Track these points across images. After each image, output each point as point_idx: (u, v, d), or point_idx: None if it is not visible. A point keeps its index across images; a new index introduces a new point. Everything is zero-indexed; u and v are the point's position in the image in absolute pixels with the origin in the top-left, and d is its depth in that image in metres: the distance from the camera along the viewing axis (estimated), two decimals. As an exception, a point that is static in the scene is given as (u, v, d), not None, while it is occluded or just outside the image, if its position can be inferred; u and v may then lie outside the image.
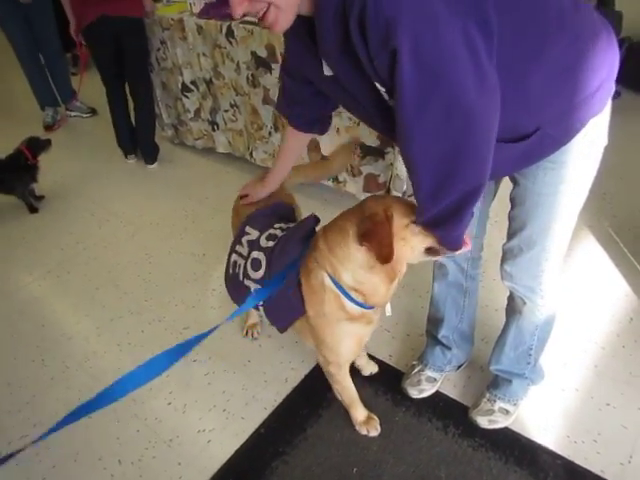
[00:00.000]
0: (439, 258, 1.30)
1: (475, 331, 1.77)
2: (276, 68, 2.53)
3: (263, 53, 2.54)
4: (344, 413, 1.72)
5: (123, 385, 1.11)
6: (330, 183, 2.68)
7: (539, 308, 1.44)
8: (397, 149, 2.25)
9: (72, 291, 2.46)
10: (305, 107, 1.40)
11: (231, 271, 1.59)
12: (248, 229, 1.57)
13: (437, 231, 1.18)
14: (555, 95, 1.06)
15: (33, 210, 3.09)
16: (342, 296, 1.31)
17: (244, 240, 1.55)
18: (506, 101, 0.99)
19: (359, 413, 1.66)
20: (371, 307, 1.36)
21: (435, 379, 1.75)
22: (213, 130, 3.22)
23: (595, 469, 1.51)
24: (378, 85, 1.02)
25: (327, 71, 1.13)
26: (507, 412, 1.62)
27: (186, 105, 3.25)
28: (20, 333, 2.26)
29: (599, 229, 2.30)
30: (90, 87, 3.97)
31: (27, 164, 2.97)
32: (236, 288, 1.58)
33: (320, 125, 1.48)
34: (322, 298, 1.33)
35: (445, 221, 1.11)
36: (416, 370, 1.76)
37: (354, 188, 2.60)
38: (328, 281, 1.31)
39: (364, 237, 1.21)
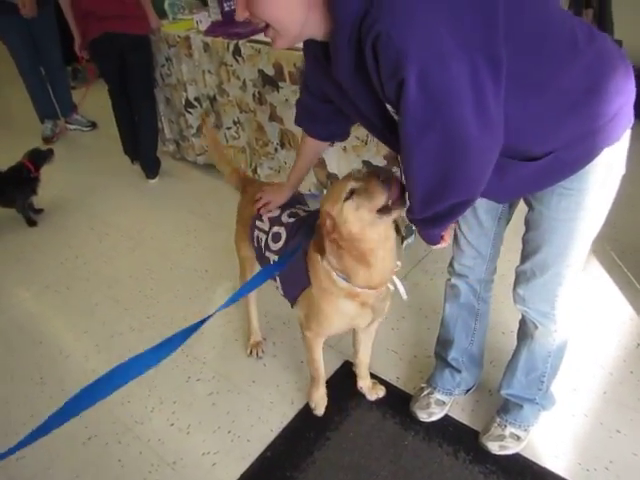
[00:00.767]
0: (395, 215, 1.30)
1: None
2: (284, 86, 2.54)
3: (270, 71, 2.55)
4: (353, 437, 1.69)
5: (117, 377, 1.14)
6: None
7: (552, 334, 1.43)
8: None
9: (71, 307, 2.42)
10: (326, 124, 1.42)
11: (256, 244, 1.69)
12: None
13: (421, 229, 1.26)
14: (569, 122, 1.06)
15: (32, 223, 3.06)
16: (332, 272, 1.42)
17: (265, 217, 1.66)
18: (519, 127, 1.02)
19: (318, 390, 1.75)
20: (364, 287, 1.41)
21: (444, 402, 1.73)
22: (215, 146, 3.21)
23: (608, 498, 1.49)
24: (388, 106, 1.05)
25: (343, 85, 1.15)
26: (518, 438, 1.60)
27: (189, 121, 3.26)
28: (17, 350, 2.21)
29: (602, 253, 2.32)
30: (91, 101, 3.98)
31: (29, 176, 2.94)
32: (262, 260, 1.68)
33: (340, 137, 1.50)
34: (319, 273, 1.45)
35: (430, 224, 1.19)
36: (425, 393, 1.74)
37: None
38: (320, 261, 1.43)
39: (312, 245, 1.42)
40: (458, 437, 1.67)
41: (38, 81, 3.99)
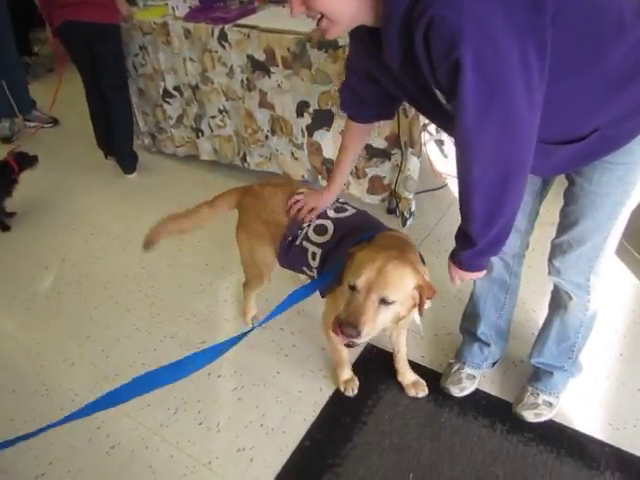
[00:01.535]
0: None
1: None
2: (276, 71, 2.48)
3: (261, 57, 2.48)
4: (389, 419, 1.69)
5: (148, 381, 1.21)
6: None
7: (585, 304, 1.47)
8: (409, 150, 2.26)
9: (66, 312, 2.29)
10: (372, 105, 1.39)
11: (290, 237, 1.61)
12: None
13: (474, 260, 1.27)
14: (617, 98, 1.07)
15: (5, 228, 2.86)
16: None
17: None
18: (566, 106, 1.05)
19: (344, 373, 1.78)
20: None
21: (474, 376, 1.75)
22: (197, 137, 3.11)
23: (642, 453, 1.55)
24: (438, 92, 1.06)
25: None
26: (550, 405, 1.65)
27: (167, 112, 3.13)
28: (13, 364, 2.06)
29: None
30: (50, 96, 3.74)
31: (11, 177, 2.76)
32: (292, 250, 1.60)
33: (387, 116, 1.48)
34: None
35: (489, 249, 1.22)
36: (455, 368, 1.75)
37: (358, 190, 2.59)
38: None
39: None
40: (492, 409, 1.70)
41: (-9, 78, 3.74)
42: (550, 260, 1.45)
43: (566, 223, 1.36)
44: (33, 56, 5.29)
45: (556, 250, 1.42)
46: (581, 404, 1.70)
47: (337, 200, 1.65)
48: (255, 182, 1.79)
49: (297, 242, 1.59)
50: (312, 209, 1.58)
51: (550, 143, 1.14)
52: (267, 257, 1.75)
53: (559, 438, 1.60)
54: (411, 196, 2.37)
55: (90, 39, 2.84)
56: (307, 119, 2.54)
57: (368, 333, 1.25)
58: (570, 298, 1.47)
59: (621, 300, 2.06)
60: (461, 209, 1.18)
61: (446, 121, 1.10)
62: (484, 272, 1.33)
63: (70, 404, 1.87)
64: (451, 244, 1.31)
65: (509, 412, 1.68)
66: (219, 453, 1.66)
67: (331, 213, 1.59)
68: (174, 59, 2.87)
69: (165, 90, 3.03)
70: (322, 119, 2.48)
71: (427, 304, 1.33)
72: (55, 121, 4.08)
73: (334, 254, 1.50)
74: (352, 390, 1.77)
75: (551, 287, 1.56)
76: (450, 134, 1.18)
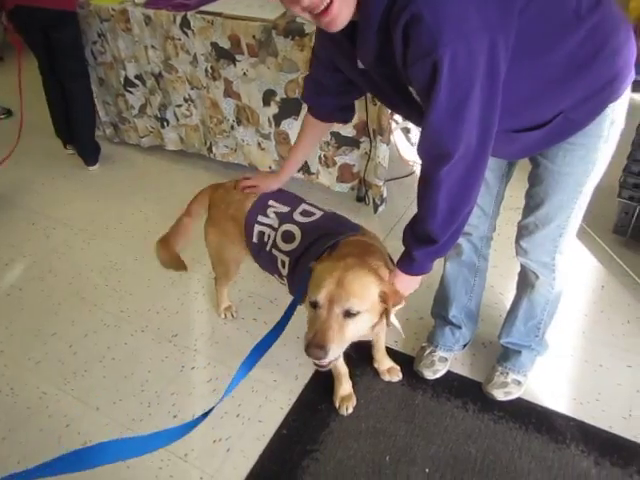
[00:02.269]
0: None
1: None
2: (241, 59, 2.44)
3: (226, 44, 2.44)
4: (365, 404, 1.72)
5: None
6: (300, 175, 2.64)
7: (551, 282, 1.52)
8: (378, 138, 2.27)
9: (29, 309, 2.21)
10: (332, 96, 1.39)
11: (256, 240, 1.59)
12: (272, 202, 1.59)
13: (431, 256, 1.26)
14: (578, 82, 1.12)
15: (-42, 224, 2.74)
16: None
17: (270, 212, 1.57)
18: (530, 95, 1.10)
19: (342, 388, 1.70)
20: None
21: (446, 359, 1.79)
22: (162, 127, 3.04)
23: (604, 426, 1.63)
24: (410, 88, 1.08)
25: (361, 65, 1.16)
26: (519, 383, 1.71)
27: (130, 101, 3.04)
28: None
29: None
30: (2, 86, 3.58)
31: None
32: (263, 256, 1.60)
33: (343, 114, 1.47)
34: None
35: (444, 248, 1.23)
36: (428, 352, 1.79)
37: (328, 179, 2.59)
38: None
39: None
40: (464, 390, 1.74)
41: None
42: (517, 241, 1.49)
43: (532, 204, 1.40)
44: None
45: (523, 231, 1.46)
46: (547, 381, 1.77)
47: (304, 202, 1.62)
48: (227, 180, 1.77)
49: (267, 248, 1.56)
50: (255, 186, 1.61)
51: (515, 131, 1.18)
52: (235, 254, 1.74)
53: (527, 415, 1.66)
54: (381, 183, 2.39)
55: (45, 25, 2.72)
56: (274, 108, 2.52)
57: (335, 351, 1.19)
58: (537, 277, 1.52)
59: (582, 281, 2.15)
60: (422, 207, 1.19)
61: (415, 114, 1.13)
62: (418, 282, 1.34)
63: (38, 402, 1.82)
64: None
65: (480, 392, 1.73)
66: (195, 445, 1.65)
67: (298, 217, 1.54)
68: (135, 47, 2.79)
69: (126, 79, 2.94)
70: (290, 108, 2.47)
71: (394, 310, 1.29)
72: (9, 112, 3.91)
73: (303, 262, 1.45)
74: (346, 409, 1.68)
75: (518, 270, 1.61)
76: (418, 125, 1.20)
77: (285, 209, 1.56)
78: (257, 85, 2.49)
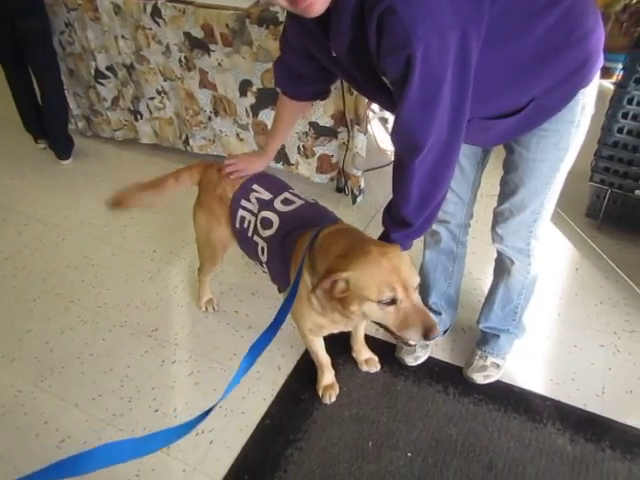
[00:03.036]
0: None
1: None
2: (215, 49, 2.41)
3: (199, 34, 2.40)
4: (347, 392, 1.73)
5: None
6: (280, 165, 2.62)
7: (526, 267, 1.55)
8: (355, 128, 2.27)
9: (2, 307, 2.15)
10: (310, 83, 1.38)
11: (238, 225, 1.59)
12: (256, 187, 1.57)
13: (408, 238, 1.28)
14: (549, 68, 1.13)
15: None
16: (312, 297, 1.37)
17: (253, 197, 1.56)
18: (502, 83, 1.11)
19: (325, 377, 1.70)
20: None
21: (427, 345, 1.81)
22: (135, 120, 2.99)
23: (579, 404, 1.67)
24: (384, 78, 1.08)
25: (334, 53, 1.15)
26: (498, 366, 1.74)
27: (101, 93, 2.98)
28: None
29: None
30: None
31: None
32: (246, 242, 1.60)
33: (320, 94, 1.47)
34: (301, 287, 1.35)
35: (419, 231, 1.26)
36: (408, 339, 1.81)
37: (307, 170, 2.58)
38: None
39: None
40: (444, 375, 1.77)
41: None
42: (493, 228, 1.51)
43: (507, 191, 1.42)
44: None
45: (498, 218, 1.48)
46: (525, 363, 1.81)
47: (288, 190, 1.60)
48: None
49: (249, 234, 1.55)
50: (239, 170, 1.60)
51: (489, 119, 1.19)
52: (222, 237, 1.72)
53: (506, 396, 1.69)
54: (359, 173, 2.39)
55: (12, 14, 2.63)
56: (251, 98, 2.50)
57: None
58: (513, 263, 1.54)
59: (557, 264, 2.19)
60: (396, 194, 1.21)
61: (390, 103, 1.13)
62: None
63: (13, 401, 1.78)
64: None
65: (460, 376, 1.76)
66: (178, 438, 1.64)
67: (278, 205, 1.52)
68: (104, 37, 2.73)
69: (97, 70, 2.88)
70: (267, 98, 2.45)
71: None
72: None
73: (278, 251, 1.46)
74: (329, 398, 1.69)
75: (495, 255, 1.63)
76: (393, 113, 1.19)
77: (267, 196, 1.55)
78: (233, 75, 2.47)
